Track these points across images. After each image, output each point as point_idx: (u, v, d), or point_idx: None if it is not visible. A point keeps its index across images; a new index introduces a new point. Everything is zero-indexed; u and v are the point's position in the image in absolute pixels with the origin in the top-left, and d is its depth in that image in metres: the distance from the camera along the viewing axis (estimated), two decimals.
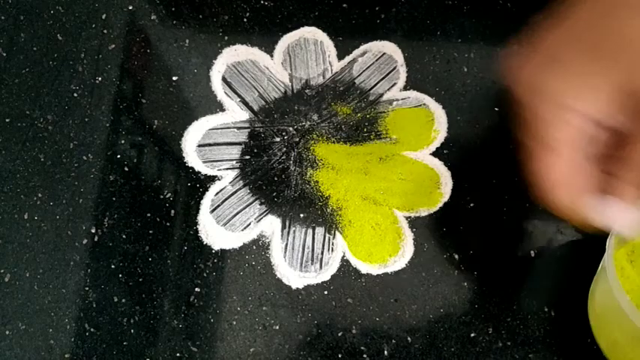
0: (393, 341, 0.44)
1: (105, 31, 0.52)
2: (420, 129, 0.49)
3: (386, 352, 0.43)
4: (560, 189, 0.32)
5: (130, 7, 0.53)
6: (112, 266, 0.46)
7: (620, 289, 0.37)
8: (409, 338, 0.44)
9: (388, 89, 0.50)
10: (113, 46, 0.52)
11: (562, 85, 0.31)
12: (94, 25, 0.52)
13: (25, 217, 0.47)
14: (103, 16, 0.53)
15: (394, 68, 0.51)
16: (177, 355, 0.43)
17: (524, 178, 0.33)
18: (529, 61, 0.32)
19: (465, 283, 0.45)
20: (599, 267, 0.42)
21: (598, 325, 0.42)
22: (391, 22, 0.52)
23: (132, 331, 0.44)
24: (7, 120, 0.49)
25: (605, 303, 0.40)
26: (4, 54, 0.51)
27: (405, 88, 0.50)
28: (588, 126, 0.31)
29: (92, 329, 0.44)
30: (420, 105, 0.50)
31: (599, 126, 0.31)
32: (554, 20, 0.33)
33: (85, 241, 0.46)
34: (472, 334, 0.44)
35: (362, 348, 0.44)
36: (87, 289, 0.45)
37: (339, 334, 0.44)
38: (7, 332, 0.44)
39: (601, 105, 0.31)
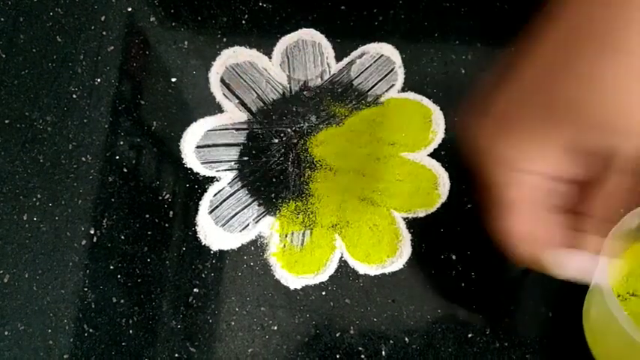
0: (391, 342, 0.44)
1: (104, 33, 0.52)
2: (417, 130, 0.49)
3: (384, 353, 0.43)
4: (522, 245, 0.34)
5: (129, 9, 0.53)
6: (111, 267, 0.46)
7: (616, 305, 0.37)
8: (407, 339, 0.44)
9: (386, 91, 0.50)
10: (112, 47, 0.52)
11: (512, 149, 0.33)
12: (93, 27, 0.53)
13: (24, 218, 0.47)
14: (102, 18, 0.53)
15: (392, 70, 0.51)
16: (176, 355, 0.43)
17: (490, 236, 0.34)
18: (481, 126, 0.34)
19: (463, 284, 0.45)
20: (592, 283, 0.42)
21: (595, 342, 0.42)
22: (389, 23, 0.53)
23: (131, 331, 0.44)
24: (7, 121, 0.50)
25: (601, 318, 0.40)
26: (4, 55, 0.52)
27: (403, 90, 0.51)
28: (544, 183, 0.33)
29: (91, 330, 0.44)
30: None
31: (555, 181, 0.33)
32: (503, 81, 0.34)
33: (83, 242, 0.46)
34: (469, 335, 0.44)
35: (360, 348, 0.44)
36: (86, 289, 0.45)
37: (337, 335, 0.44)
38: (6, 333, 0.44)
39: (552, 165, 0.33)
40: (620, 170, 0.33)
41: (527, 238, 0.34)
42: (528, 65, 0.34)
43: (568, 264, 0.35)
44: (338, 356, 0.43)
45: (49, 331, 0.44)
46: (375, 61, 0.51)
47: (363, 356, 0.43)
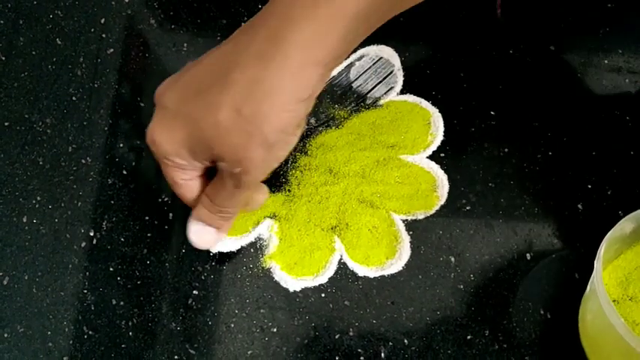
0: (390, 344, 0.44)
1: (104, 35, 0.52)
2: (416, 132, 0.49)
3: (383, 355, 0.44)
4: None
5: (129, 12, 0.53)
6: (111, 269, 0.46)
7: (613, 311, 0.37)
8: (406, 341, 0.44)
9: (385, 93, 0.51)
10: (112, 50, 0.52)
11: (159, 135, 0.39)
12: (92, 30, 0.53)
13: (24, 220, 0.47)
14: (102, 21, 0.53)
15: (391, 72, 0.51)
16: (175, 357, 0.44)
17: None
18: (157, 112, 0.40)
19: (462, 286, 0.45)
20: (588, 289, 0.42)
21: (591, 349, 0.42)
22: (388, 26, 0.53)
23: (130, 333, 0.44)
24: (6, 124, 0.50)
25: (597, 324, 0.40)
26: (3, 58, 0.52)
27: (402, 92, 0.51)
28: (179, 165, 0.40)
29: (90, 332, 0.44)
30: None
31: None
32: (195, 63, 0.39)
33: (83, 244, 0.46)
34: (468, 337, 0.44)
35: (359, 350, 0.44)
36: (85, 291, 0.45)
37: (337, 337, 0.44)
38: (6, 335, 0.44)
39: (181, 153, 0.39)
40: (223, 178, 0.39)
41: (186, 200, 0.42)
42: (211, 53, 0.39)
43: (191, 232, 0.43)
44: (337, 358, 0.44)
45: (49, 333, 0.44)
46: (374, 64, 0.51)
47: (362, 358, 0.43)
